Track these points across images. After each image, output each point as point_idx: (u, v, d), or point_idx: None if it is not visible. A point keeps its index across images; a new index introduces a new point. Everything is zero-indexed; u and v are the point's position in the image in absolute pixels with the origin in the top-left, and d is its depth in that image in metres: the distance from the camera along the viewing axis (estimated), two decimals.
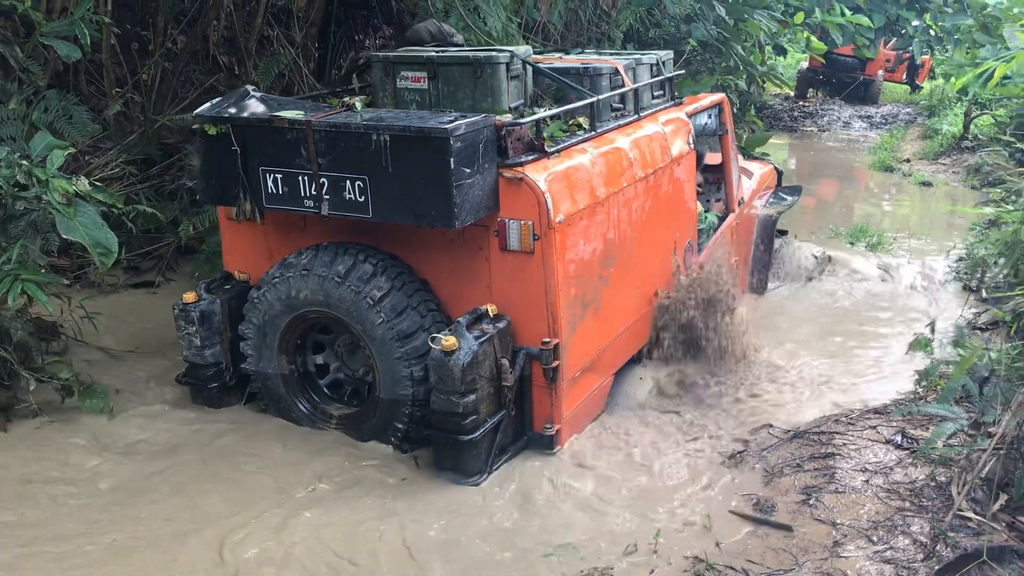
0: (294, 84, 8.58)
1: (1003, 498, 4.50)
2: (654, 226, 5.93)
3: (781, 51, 17.79)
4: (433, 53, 5.43)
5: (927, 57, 22.88)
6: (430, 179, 4.48)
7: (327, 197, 4.71)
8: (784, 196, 8.67)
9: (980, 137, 15.34)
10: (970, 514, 4.48)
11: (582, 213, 5.01)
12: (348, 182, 4.63)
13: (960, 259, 9.03)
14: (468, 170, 4.52)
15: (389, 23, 9.22)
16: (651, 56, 6.46)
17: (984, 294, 8.14)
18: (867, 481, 4.96)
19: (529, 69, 5.51)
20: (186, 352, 5.41)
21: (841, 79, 21.88)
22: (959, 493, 4.60)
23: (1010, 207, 6.50)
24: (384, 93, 5.51)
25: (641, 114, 6.00)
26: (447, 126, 4.40)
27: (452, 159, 4.41)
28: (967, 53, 17.45)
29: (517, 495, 4.83)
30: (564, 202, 4.85)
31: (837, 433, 5.50)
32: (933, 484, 4.82)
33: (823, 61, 19.39)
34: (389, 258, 4.98)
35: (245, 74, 8.56)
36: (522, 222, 4.74)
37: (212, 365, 5.41)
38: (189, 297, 5.33)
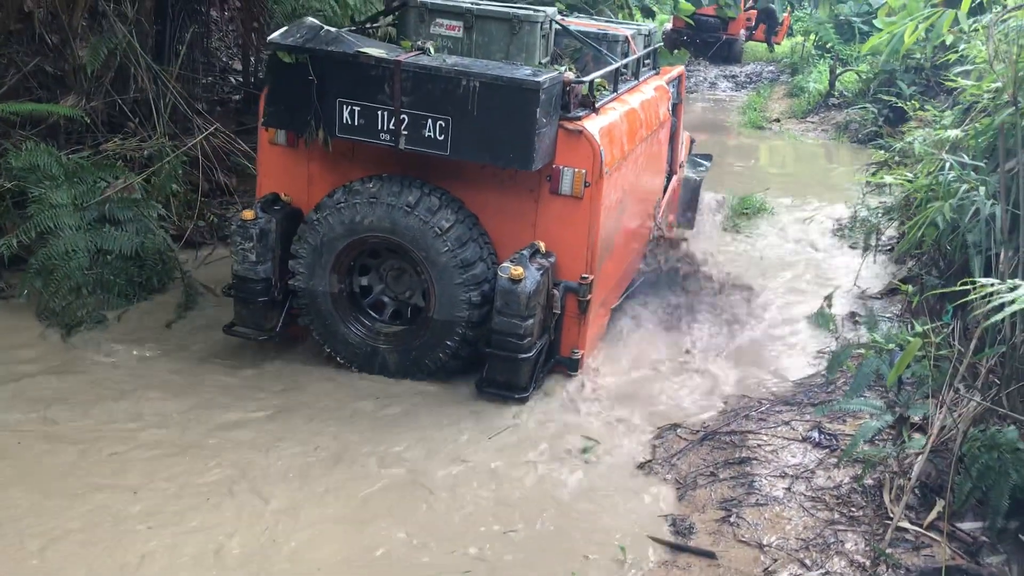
0: (128, 66, 7.48)
1: (940, 504, 4.00)
2: (646, 181, 6.53)
3: (649, 13, 17.25)
4: (470, 4, 5.60)
5: (787, 15, 22.86)
6: (514, 125, 4.77)
7: (405, 132, 4.91)
8: (700, 161, 9.17)
9: (846, 94, 15.19)
10: (906, 524, 3.97)
11: (617, 165, 5.41)
12: (430, 120, 4.86)
13: (849, 221, 8.66)
14: (545, 120, 4.84)
15: None
16: (645, 27, 7.06)
17: (872, 258, 7.76)
18: (789, 489, 4.42)
19: (554, 29, 5.76)
20: (238, 267, 5.45)
21: (705, 39, 21.57)
22: (892, 501, 4.09)
23: (908, 174, 6.07)
24: (417, 38, 5.56)
25: (639, 80, 6.46)
26: (539, 79, 4.73)
27: (538, 108, 4.71)
28: (831, 8, 17.37)
29: None
30: (608, 154, 5.19)
31: (750, 432, 4.94)
32: (860, 489, 4.31)
33: (690, 22, 18.94)
34: (448, 193, 5.16)
35: (72, 55, 7.43)
36: (576, 170, 5.11)
37: (262, 280, 5.46)
38: (247, 215, 5.37)
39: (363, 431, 4.88)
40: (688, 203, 8.56)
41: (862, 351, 5.11)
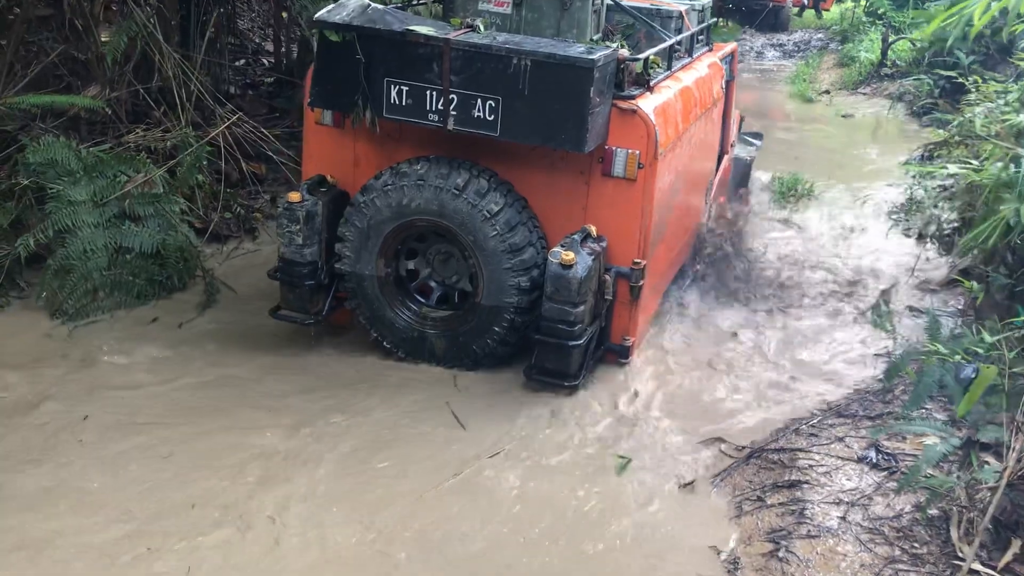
0: (151, 53, 7.16)
1: (1016, 544, 3.56)
2: (699, 162, 6.27)
3: None
4: None
5: None
6: (567, 104, 4.59)
7: (454, 113, 4.76)
8: (751, 140, 8.84)
9: (899, 64, 14.44)
10: (979, 567, 3.53)
11: (672, 146, 5.20)
12: (479, 100, 4.71)
13: (905, 204, 8.11)
14: (599, 99, 4.66)
15: None
16: (699, 2, 6.71)
17: (930, 245, 7.22)
18: (844, 518, 3.99)
19: (605, 5, 5.57)
20: (284, 250, 5.31)
21: (750, 7, 20.76)
22: (960, 538, 3.66)
23: (973, 161, 5.52)
24: (464, 15, 5.37)
25: (692, 56, 6.19)
26: (592, 57, 4.54)
27: (592, 87, 4.53)
28: None
29: None
30: (663, 134, 4.99)
31: (800, 450, 4.51)
32: (924, 521, 3.87)
33: None
34: (497, 176, 5.01)
35: (95, 42, 7.14)
36: (630, 151, 4.90)
37: (309, 263, 5.32)
38: (294, 197, 5.21)
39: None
40: (739, 184, 8.27)
41: (923, 358, 4.64)
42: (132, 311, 5.83)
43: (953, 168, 5.49)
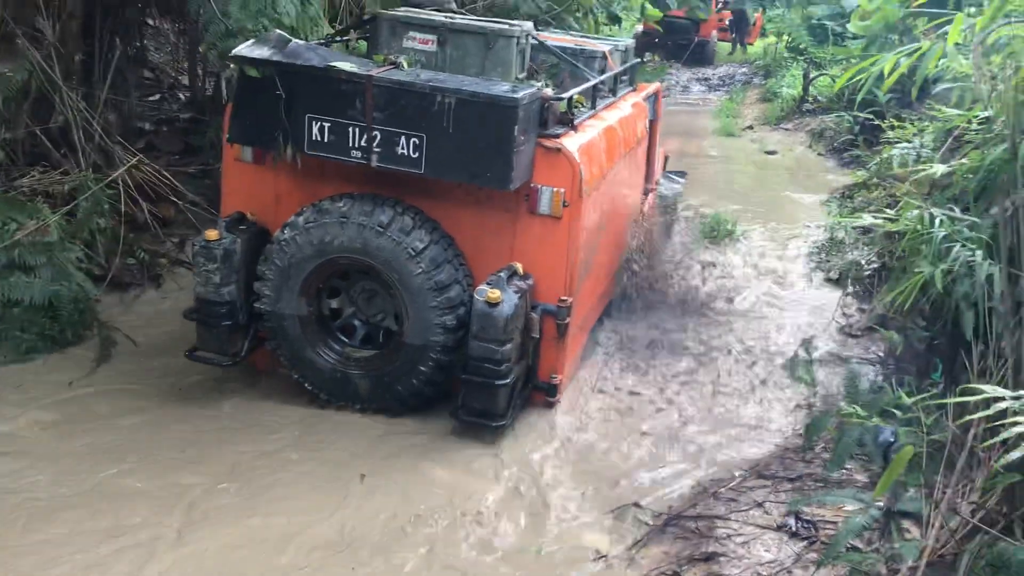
0: (44, 94, 6.71)
1: None
2: (623, 199, 6.28)
3: (615, 19, 16.53)
4: (443, 18, 5.37)
5: (759, 15, 22.27)
6: (491, 142, 4.53)
7: (378, 150, 4.67)
8: (675, 179, 8.83)
9: (820, 99, 14.56)
10: None
11: (596, 184, 5.15)
12: (403, 138, 4.62)
13: (825, 245, 8.03)
14: (523, 137, 4.61)
15: (168, 12, 7.46)
16: (623, 43, 6.84)
17: (850, 289, 7.14)
18: None
19: (530, 44, 5.48)
20: (200, 289, 5.11)
21: (676, 42, 20.91)
22: None
23: (888, 211, 5.40)
24: (388, 51, 5.30)
25: (616, 96, 6.17)
26: (517, 95, 4.51)
27: (516, 126, 4.49)
28: (804, 10, 16.73)
29: None
30: (588, 172, 4.94)
31: (718, 518, 4.28)
32: None
33: (658, 27, 18.22)
34: (422, 213, 4.90)
35: None
36: (555, 189, 4.84)
37: (227, 303, 5.12)
38: (212, 235, 5.01)
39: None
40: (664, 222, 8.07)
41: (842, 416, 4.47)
42: (19, 369, 5.41)
43: (869, 219, 5.37)
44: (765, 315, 6.80)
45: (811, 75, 15.19)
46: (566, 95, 5.08)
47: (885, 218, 5.18)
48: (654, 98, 7.46)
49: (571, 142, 4.94)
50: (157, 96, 10.38)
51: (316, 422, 5.06)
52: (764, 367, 5.95)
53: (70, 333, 5.76)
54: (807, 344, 5.96)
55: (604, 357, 5.99)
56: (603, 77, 5.86)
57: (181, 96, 10.44)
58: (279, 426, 5.01)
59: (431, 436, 4.99)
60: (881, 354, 5.97)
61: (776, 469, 4.71)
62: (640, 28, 21.34)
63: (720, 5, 21.64)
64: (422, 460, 4.77)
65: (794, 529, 4.14)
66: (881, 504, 3.81)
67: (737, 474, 4.71)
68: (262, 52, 4.74)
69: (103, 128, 7.08)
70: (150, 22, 10.29)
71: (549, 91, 5.04)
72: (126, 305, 6.44)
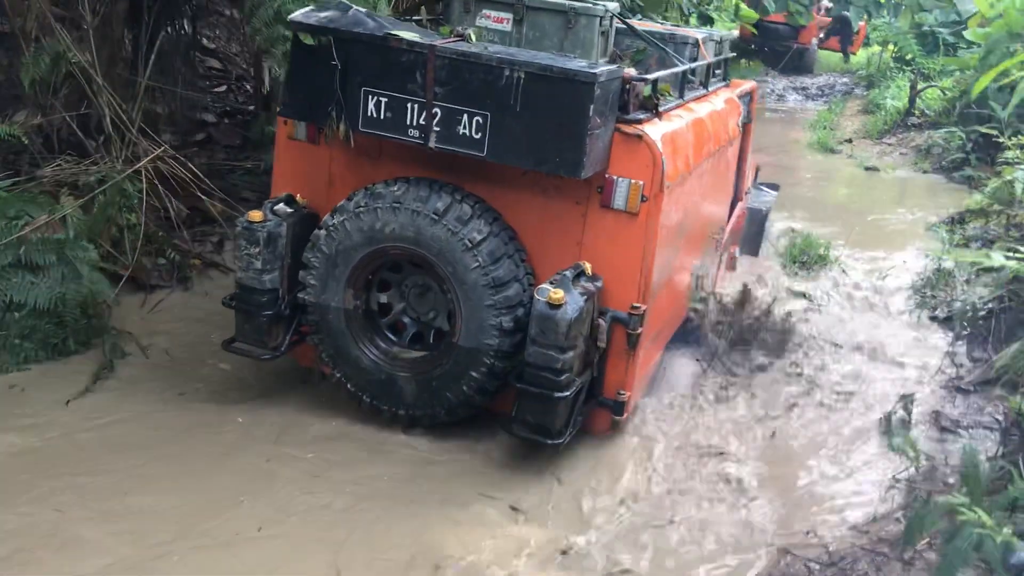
0: (87, 79, 6.13)
1: None
2: (710, 203, 5.63)
3: (707, 20, 15.47)
4: None
5: (863, 23, 20.83)
6: (563, 123, 4.01)
7: (437, 129, 4.17)
8: (766, 191, 8.17)
9: (928, 113, 13.23)
10: None
11: (680, 180, 4.58)
12: (465, 116, 4.12)
13: (932, 277, 6.92)
14: (600, 120, 4.09)
15: None
16: (718, 33, 6.23)
17: (961, 331, 6.05)
18: None
19: (614, 27, 5.04)
20: (242, 275, 4.68)
21: (774, 48, 19.66)
22: None
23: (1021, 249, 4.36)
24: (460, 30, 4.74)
25: (708, 89, 5.60)
26: (595, 71, 3.96)
27: (592, 106, 3.95)
28: (914, 18, 15.41)
29: None
30: (671, 166, 4.38)
31: None
32: None
33: (754, 31, 17.02)
34: (482, 202, 4.42)
35: (15, 68, 6.17)
36: (632, 181, 4.29)
37: (269, 291, 4.67)
38: (255, 216, 4.58)
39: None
40: (753, 237, 7.56)
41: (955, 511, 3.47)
42: (14, 380, 4.82)
43: (999, 258, 4.32)
44: (854, 359, 5.76)
45: (918, 86, 13.85)
46: (650, 77, 4.50)
47: (1020, 258, 4.14)
48: (748, 98, 6.77)
49: (654, 130, 4.36)
50: (224, 87, 9.88)
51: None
52: (855, 426, 4.93)
53: (73, 341, 5.15)
54: (907, 402, 4.91)
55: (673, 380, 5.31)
56: (693, 65, 5.26)
57: (248, 87, 9.91)
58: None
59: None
60: (1001, 419, 4.90)
61: (864, 568, 3.72)
62: (736, 33, 20.19)
63: (822, 11, 20.28)
64: None
65: None
66: None
67: (813, 566, 3.74)
68: (318, 18, 4.30)
69: (142, 118, 6.49)
70: (221, 10, 9.82)
71: (632, 71, 4.43)
72: (147, 309, 5.82)
